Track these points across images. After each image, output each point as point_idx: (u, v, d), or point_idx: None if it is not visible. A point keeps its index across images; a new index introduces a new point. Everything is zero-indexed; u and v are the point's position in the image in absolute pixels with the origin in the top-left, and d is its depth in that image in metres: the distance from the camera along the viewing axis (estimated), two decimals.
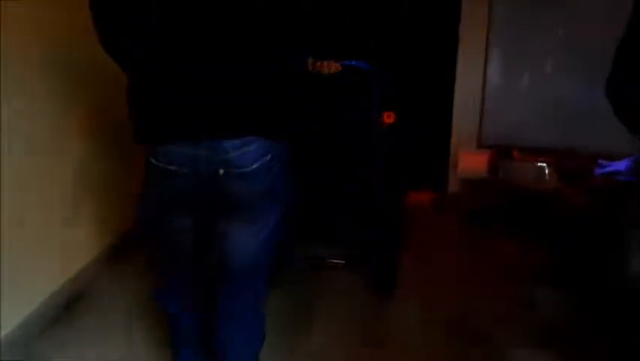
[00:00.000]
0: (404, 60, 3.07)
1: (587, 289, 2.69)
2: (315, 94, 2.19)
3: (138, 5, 1.52)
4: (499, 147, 3.52)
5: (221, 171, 1.61)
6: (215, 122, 1.58)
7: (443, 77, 3.54)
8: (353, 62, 2.39)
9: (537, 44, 3.44)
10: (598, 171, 2.97)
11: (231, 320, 1.88)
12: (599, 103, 3.29)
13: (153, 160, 1.67)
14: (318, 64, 2.24)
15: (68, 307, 2.63)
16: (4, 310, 2.24)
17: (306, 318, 2.57)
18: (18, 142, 2.27)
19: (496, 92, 3.54)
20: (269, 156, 1.65)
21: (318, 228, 2.82)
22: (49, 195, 2.54)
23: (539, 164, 3.33)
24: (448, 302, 2.67)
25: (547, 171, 3.30)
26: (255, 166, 1.63)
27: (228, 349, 1.91)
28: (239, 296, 1.84)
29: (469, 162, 3.49)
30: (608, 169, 2.92)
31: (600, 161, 3.01)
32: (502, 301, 2.67)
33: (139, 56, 1.58)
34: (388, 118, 2.62)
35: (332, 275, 2.89)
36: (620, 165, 2.92)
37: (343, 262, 2.92)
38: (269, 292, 2.02)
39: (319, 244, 2.95)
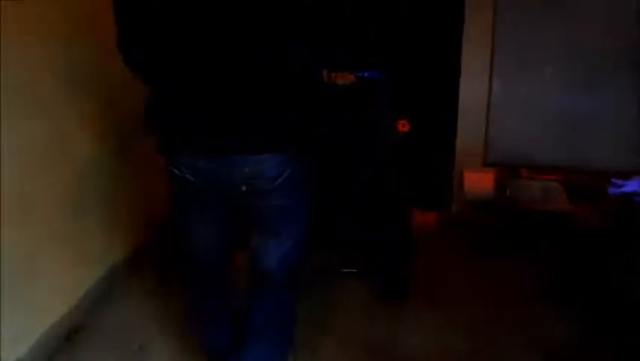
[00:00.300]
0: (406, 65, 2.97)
1: (601, 312, 2.59)
2: (330, 105, 2.15)
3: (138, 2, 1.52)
4: (505, 164, 3.43)
5: (244, 188, 1.62)
6: (231, 138, 1.58)
7: (446, 90, 3.45)
8: (366, 74, 2.36)
9: (543, 58, 3.34)
10: (613, 190, 2.89)
11: (257, 330, 1.91)
12: (609, 116, 3.32)
13: (175, 170, 1.69)
14: (333, 75, 2.24)
15: (69, 338, 2.50)
16: (4, 343, 2.15)
17: (317, 331, 2.52)
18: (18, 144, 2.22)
19: (501, 108, 3.44)
20: (288, 172, 1.65)
21: (329, 237, 2.81)
22: (50, 207, 2.43)
23: (549, 182, 3.25)
24: (454, 320, 2.61)
25: (557, 190, 3.21)
26: (275, 183, 1.63)
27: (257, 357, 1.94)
28: (263, 307, 1.88)
29: (475, 181, 3.40)
30: (624, 189, 2.84)
31: (613, 180, 2.94)
32: (509, 322, 2.60)
33: (139, 55, 1.57)
34: (403, 127, 2.60)
35: (343, 285, 2.85)
36: (636, 185, 2.85)
37: (355, 270, 2.92)
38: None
39: (331, 253, 2.96)
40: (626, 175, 3.03)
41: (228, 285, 2.02)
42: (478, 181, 3.39)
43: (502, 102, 3.43)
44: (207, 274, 1.96)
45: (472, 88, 3.41)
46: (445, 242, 3.33)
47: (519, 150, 3.44)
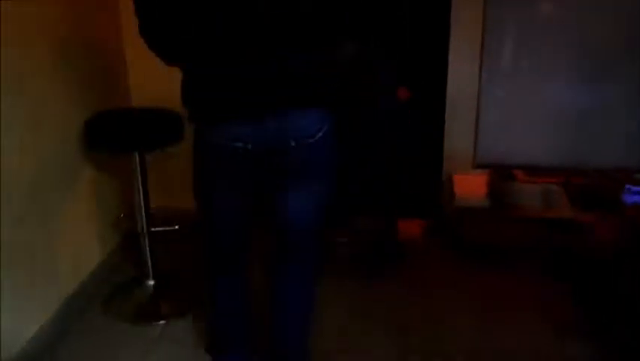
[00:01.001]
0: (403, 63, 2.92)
1: (615, 335, 2.34)
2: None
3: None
4: (498, 166, 3.13)
5: (293, 143, 1.69)
6: (280, 97, 1.64)
7: (434, 84, 3.12)
8: None
9: (537, 49, 3.08)
10: (629, 198, 2.63)
11: (287, 296, 2.03)
12: (614, 114, 3.05)
13: (213, 139, 1.71)
14: None
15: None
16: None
17: None
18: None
19: (491, 105, 3.15)
20: (326, 127, 1.75)
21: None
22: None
23: (548, 185, 2.96)
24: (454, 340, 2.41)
25: (557, 194, 2.93)
26: (316, 137, 1.72)
27: (285, 331, 2.08)
28: (297, 265, 1.98)
29: (466, 185, 3.08)
30: None
31: (628, 186, 2.69)
32: (517, 346, 2.37)
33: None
34: (403, 94, 2.68)
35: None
36: None
37: (346, 239, 2.98)
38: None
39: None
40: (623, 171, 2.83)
41: (246, 269, 2.06)
42: (469, 185, 3.08)
43: (493, 98, 3.14)
44: (229, 256, 2.01)
45: (461, 83, 3.10)
46: (438, 253, 3.05)
47: (513, 150, 3.17)
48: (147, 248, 2.59)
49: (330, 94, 1.73)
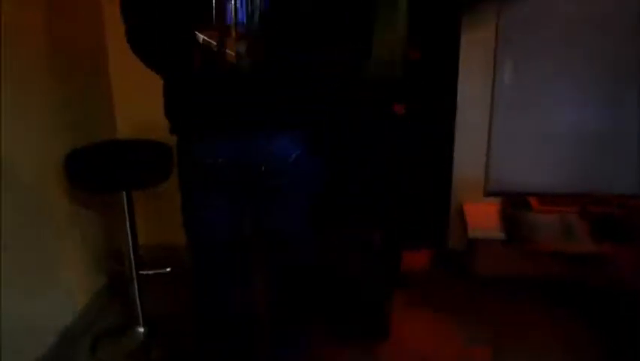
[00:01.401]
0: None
1: None
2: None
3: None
4: (511, 194, 2.95)
5: (263, 168, 1.68)
6: (255, 117, 1.63)
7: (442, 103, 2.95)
8: None
9: (550, 70, 2.90)
10: None
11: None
12: (623, 136, 2.84)
13: (193, 153, 1.71)
14: None
15: None
16: None
17: None
18: None
19: (504, 128, 2.97)
20: (300, 150, 1.71)
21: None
22: None
23: (567, 215, 2.77)
24: None
25: (576, 222, 2.74)
26: (291, 157, 1.69)
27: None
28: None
29: (478, 214, 2.89)
30: None
31: None
32: None
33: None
34: (399, 109, 2.57)
35: None
36: None
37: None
38: None
39: None
40: None
41: (249, 282, 1.96)
42: (482, 215, 2.89)
43: (505, 122, 2.96)
44: (225, 269, 1.90)
45: (472, 104, 2.92)
46: (444, 283, 2.90)
47: (526, 176, 2.99)
48: (136, 294, 2.37)
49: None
